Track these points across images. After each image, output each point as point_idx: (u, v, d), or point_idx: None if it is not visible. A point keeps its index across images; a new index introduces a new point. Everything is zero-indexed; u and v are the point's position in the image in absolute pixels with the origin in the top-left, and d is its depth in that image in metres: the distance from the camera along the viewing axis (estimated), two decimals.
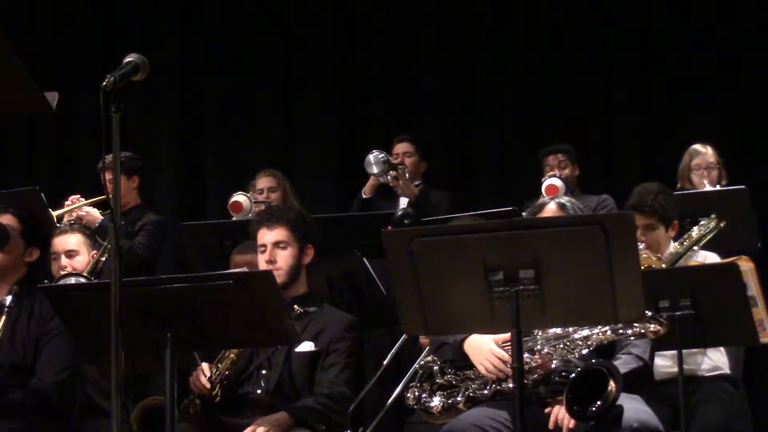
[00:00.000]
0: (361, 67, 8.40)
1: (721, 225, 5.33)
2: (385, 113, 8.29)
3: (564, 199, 4.48)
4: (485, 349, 4.11)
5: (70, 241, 5.44)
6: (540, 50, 8.02)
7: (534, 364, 4.05)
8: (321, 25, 8.38)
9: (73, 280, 5.06)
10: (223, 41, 8.45)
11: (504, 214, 5.71)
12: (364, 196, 7.10)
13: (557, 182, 6.43)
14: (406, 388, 4.33)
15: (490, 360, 4.08)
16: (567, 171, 6.90)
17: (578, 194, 6.70)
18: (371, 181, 7.06)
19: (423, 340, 5.26)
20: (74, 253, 5.39)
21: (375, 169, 6.84)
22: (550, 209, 4.36)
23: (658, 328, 4.01)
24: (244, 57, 8.44)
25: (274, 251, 4.54)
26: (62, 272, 5.27)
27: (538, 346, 4.07)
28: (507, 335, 4.14)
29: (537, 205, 4.43)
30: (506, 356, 4.07)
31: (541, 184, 6.61)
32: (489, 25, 8.19)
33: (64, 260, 5.36)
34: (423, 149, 7.36)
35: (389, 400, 5.50)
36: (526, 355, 3.92)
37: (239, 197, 6.67)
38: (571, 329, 4.04)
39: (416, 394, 4.24)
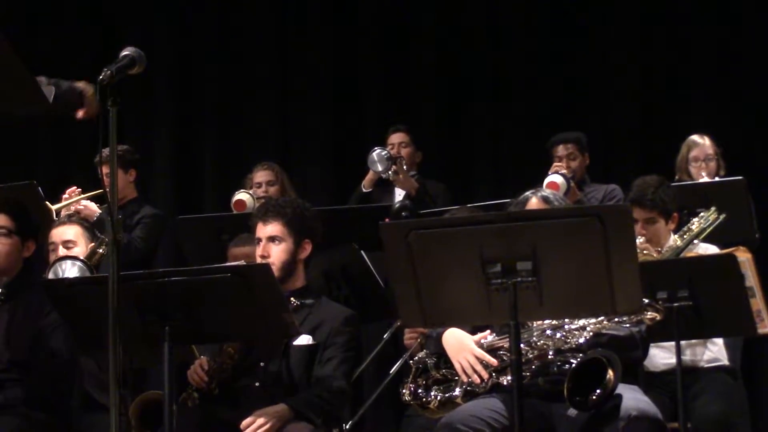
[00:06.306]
0: (356, 58, 8.39)
1: (721, 217, 5.32)
2: (380, 104, 8.27)
3: (547, 192, 4.46)
4: (465, 347, 4.10)
5: (68, 232, 5.41)
6: (539, 39, 8.01)
7: (531, 356, 4.04)
8: (317, 19, 8.36)
9: (69, 263, 5.03)
10: (221, 34, 8.44)
11: (501, 206, 5.68)
12: (364, 190, 7.07)
13: (558, 179, 6.20)
14: (401, 384, 4.31)
15: (468, 359, 4.08)
16: (576, 162, 6.63)
17: (588, 183, 6.66)
18: (370, 175, 7.04)
19: (407, 341, 5.22)
20: (72, 244, 5.36)
21: (380, 167, 6.83)
22: (533, 203, 4.34)
23: (656, 314, 4.00)
24: (241, 50, 8.43)
25: (268, 246, 4.52)
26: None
27: (534, 338, 4.07)
28: (485, 333, 4.15)
29: (521, 200, 4.41)
30: (487, 357, 4.07)
31: (546, 175, 6.52)
32: (484, 14, 8.18)
33: (62, 251, 5.33)
34: (418, 139, 7.33)
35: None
36: (522, 346, 3.91)
37: (242, 195, 6.63)
38: (566, 320, 4.04)
39: (412, 389, 4.22)
